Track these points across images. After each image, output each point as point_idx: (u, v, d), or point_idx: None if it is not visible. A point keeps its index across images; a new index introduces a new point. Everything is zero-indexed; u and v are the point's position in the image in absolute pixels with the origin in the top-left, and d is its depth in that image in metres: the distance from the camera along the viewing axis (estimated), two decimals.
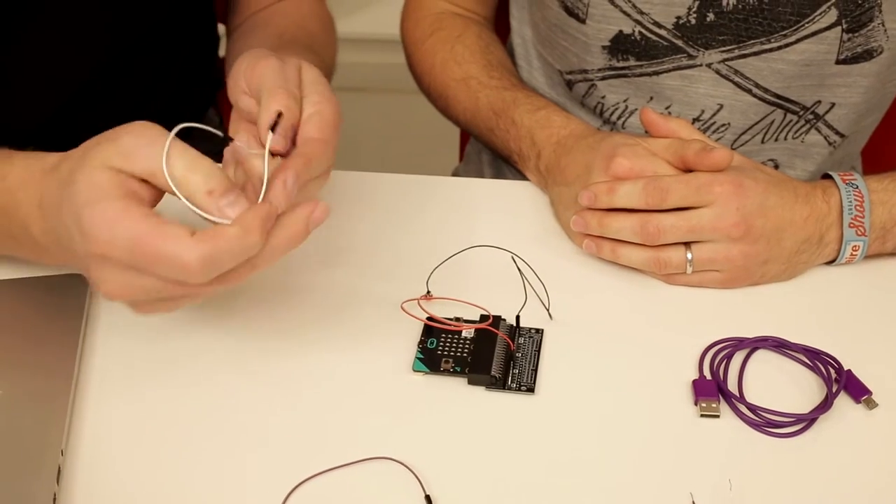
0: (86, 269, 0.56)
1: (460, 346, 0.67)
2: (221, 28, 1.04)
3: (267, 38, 0.89)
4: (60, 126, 0.86)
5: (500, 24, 1.01)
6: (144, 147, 0.55)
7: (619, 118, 0.90)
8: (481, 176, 1.03)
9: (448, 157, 1.32)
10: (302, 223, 0.56)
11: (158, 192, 0.57)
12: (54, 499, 0.56)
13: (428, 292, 0.70)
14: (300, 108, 0.63)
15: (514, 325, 0.69)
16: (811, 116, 0.86)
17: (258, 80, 0.63)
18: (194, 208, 0.55)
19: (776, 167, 0.89)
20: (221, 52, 1.05)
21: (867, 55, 0.81)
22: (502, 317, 0.69)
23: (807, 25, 0.79)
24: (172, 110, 0.98)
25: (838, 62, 0.82)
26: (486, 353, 0.66)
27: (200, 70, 1.01)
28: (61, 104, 0.87)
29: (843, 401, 0.65)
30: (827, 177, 0.75)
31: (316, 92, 0.65)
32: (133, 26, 0.88)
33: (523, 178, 0.85)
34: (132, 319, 0.66)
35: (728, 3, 0.80)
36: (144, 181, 0.56)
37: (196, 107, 1.04)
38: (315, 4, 0.96)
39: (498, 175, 1.00)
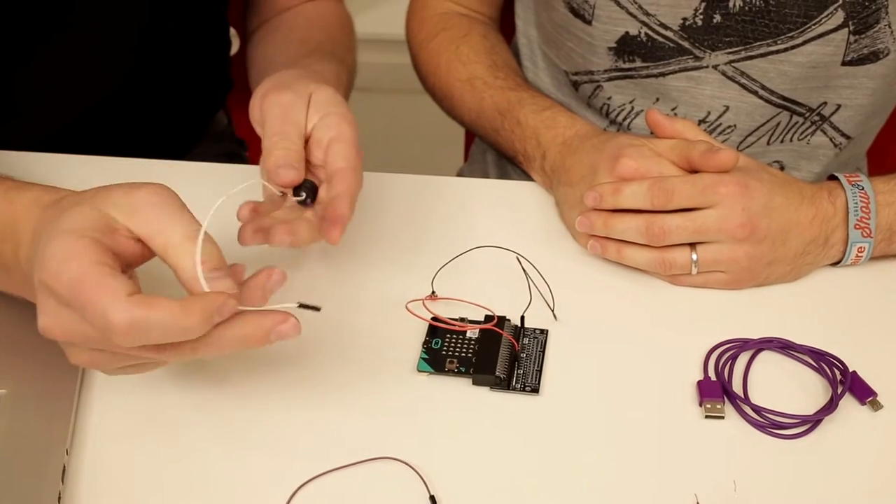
0: (37, 297, 0.54)
1: (465, 346, 0.67)
2: (232, 30, 1.04)
3: (290, 44, 0.90)
4: (80, 130, 0.87)
5: (505, 25, 1.01)
6: (152, 208, 0.54)
7: (624, 119, 0.90)
8: (486, 176, 1.03)
9: (453, 158, 1.31)
10: (261, 332, 0.54)
11: (144, 255, 0.56)
12: (59, 498, 0.56)
13: (433, 292, 0.70)
14: (300, 148, 0.65)
15: (519, 325, 0.69)
16: (817, 118, 0.86)
17: (263, 116, 0.66)
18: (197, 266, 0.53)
19: (781, 169, 0.89)
20: (231, 52, 1.06)
21: (873, 57, 0.81)
22: (507, 317, 0.69)
23: (813, 27, 0.79)
24: (185, 114, 0.99)
25: (844, 63, 0.81)
26: (490, 354, 0.66)
27: (212, 74, 1.02)
28: (82, 112, 0.87)
29: (848, 402, 0.65)
30: (833, 178, 0.74)
31: (333, 113, 0.66)
32: (153, 43, 0.88)
33: (528, 178, 0.85)
34: None
35: (734, 5, 0.79)
36: (138, 240, 0.55)
37: (207, 109, 1.04)
38: (335, 6, 0.97)
39: (503, 176, 1.00)
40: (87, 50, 0.84)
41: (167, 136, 0.96)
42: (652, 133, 0.77)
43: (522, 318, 0.69)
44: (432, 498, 0.58)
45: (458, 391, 0.65)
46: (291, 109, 0.66)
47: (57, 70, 0.84)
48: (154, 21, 0.87)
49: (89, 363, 0.55)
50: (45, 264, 0.52)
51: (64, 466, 0.58)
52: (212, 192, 0.59)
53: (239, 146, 1.13)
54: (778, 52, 0.81)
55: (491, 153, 1.03)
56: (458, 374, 0.65)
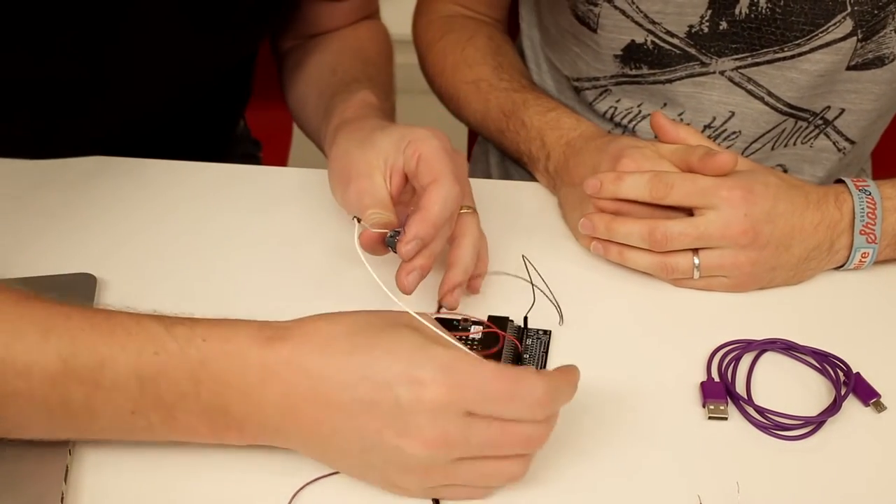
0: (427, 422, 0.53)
1: (468, 347, 0.67)
2: None
3: (322, 74, 0.89)
4: (119, 144, 0.88)
5: (514, 27, 1.01)
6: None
7: (630, 122, 0.89)
8: (488, 177, 1.03)
9: None
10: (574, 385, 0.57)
11: None
12: (62, 498, 0.56)
13: (439, 308, 0.69)
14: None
15: (522, 326, 0.69)
16: (820, 122, 0.86)
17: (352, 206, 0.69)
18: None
19: (784, 172, 0.89)
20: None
21: (879, 62, 0.81)
22: (510, 318, 0.69)
23: (821, 35, 0.78)
24: (212, 125, 1.01)
25: (849, 68, 0.81)
26: (493, 355, 0.66)
27: (238, 91, 1.03)
28: (124, 131, 0.89)
29: (851, 403, 0.65)
30: (840, 181, 0.74)
31: (408, 143, 0.67)
32: (194, 79, 0.89)
33: (531, 179, 0.85)
34: None
35: (741, 12, 0.79)
36: None
37: (231, 120, 1.08)
38: (372, 25, 0.97)
39: (505, 176, 1.00)
40: (138, 95, 0.86)
41: (199, 146, 0.97)
42: (656, 137, 0.77)
43: (525, 318, 0.69)
44: (435, 499, 0.58)
45: None
46: (371, 188, 0.67)
47: (109, 109, 0.86)
48: (199, 69, 0.88)
49: (460, 478, 0.56)
50: (432, 382, 0.53)
51: (67, 466, 0.58)
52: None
53: (254, 146, 1.18)
54: (785, 59, 0.80)
55: (493, 154, 1.03)
56: None
